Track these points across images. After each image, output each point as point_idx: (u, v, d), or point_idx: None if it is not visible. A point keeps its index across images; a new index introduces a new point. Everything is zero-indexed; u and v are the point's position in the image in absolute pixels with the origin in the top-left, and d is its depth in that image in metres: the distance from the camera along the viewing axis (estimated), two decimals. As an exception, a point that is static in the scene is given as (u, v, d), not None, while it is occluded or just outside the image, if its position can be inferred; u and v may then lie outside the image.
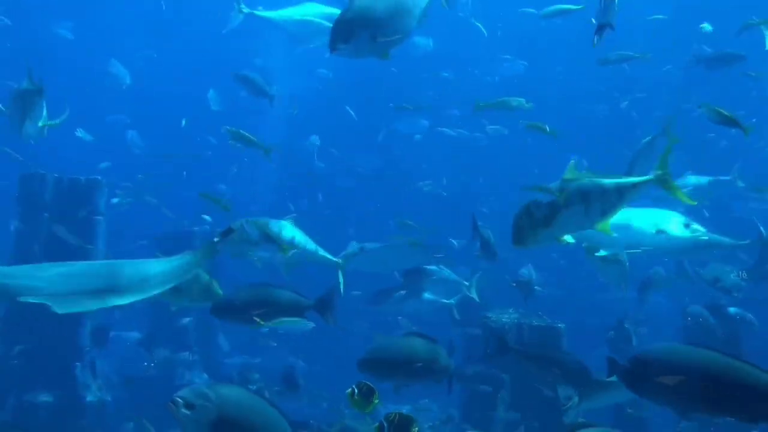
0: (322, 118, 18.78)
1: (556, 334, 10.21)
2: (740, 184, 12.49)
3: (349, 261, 9.48)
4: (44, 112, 8.03)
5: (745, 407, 4.53)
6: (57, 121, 8.25)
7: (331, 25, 9.34)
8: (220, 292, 6.92)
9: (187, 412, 5.22)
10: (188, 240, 13.66)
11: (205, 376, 12.71)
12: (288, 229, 8.30)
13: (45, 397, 11.04)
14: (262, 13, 10.12)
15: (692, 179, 12.27)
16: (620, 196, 5.12)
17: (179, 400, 5.21)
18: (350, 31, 5.58)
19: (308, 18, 9.76)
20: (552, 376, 7.92)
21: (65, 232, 11.30)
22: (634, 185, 5.16)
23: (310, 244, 8.54)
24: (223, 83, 16.71)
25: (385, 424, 4.29)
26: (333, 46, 5.58)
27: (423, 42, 17.13)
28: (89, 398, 11.44)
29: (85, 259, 11.69)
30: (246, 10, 10.12)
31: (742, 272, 9.42)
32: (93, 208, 11.94)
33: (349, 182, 21.10)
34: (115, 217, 12.65)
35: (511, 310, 10.79)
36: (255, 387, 11.41)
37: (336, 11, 9.13)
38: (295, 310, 7.26)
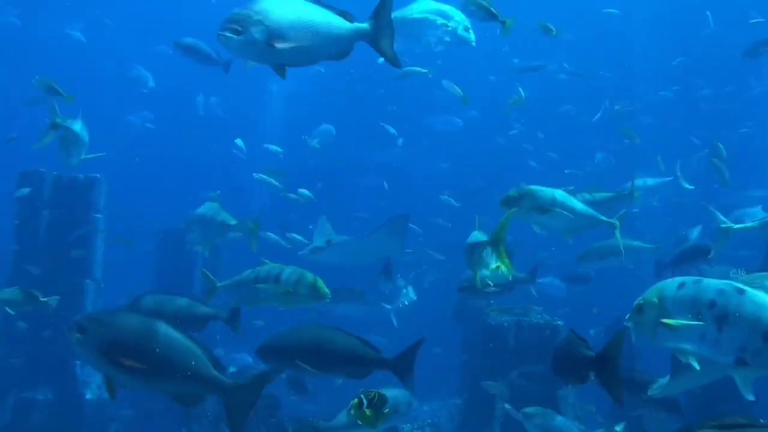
0: (322, 117, 18.74)
1: (555, 331, 10.22)
2: (686, 185, 12.64)
3: (315, 254, 9.58)
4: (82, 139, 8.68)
5: None
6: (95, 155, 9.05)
7: (444, 20, 9.67)
8: (327, 291, 6.79)
9: (78, 335, 5.19)
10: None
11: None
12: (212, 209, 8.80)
13: (44, 395, 11.06)
14: None
15: (639, 182, 12.37)
16: (470, 251, 6.52)
17: (72, 323, 5.21)
18: (242, 25, 5.32)
19: (423, 15, 9.84)
20: (641, 402, 7.65)
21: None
22: (482, 243, 6.40)
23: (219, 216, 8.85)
24: (224, 83, 16.78)
25: (365, 400, 4.33)
26: (221, 33, 5.33)
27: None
28: (89, 396, 11.47)
29: (84, 255, 11.78)
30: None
31: (740, 270, 9.41)
32: (92, 206, 11.99)
33: (369, 180, 20.93)
34: (114, 214, 12.64)
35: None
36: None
37: (447, 8, 9.72)
38: (199, 320, 7.14)
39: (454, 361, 12.15)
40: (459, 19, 9.88)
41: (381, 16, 5.66)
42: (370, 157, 21.13)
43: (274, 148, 15.18)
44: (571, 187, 7.36)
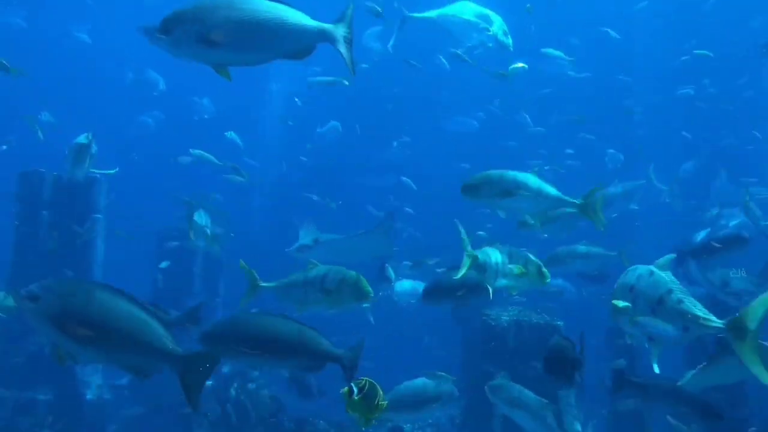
0: (322, 117, 18.73)
1: (554, 331, 10.20)
2: (664, 187, 12.66)
3: (302, 252, 9.68)
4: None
5: None
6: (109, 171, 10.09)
7: (486, 24, 9.82)
8: (370, 290, 6.70)
9: (30, 304, 5.10)
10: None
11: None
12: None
13: (45, 395, 11.06)
14: (422, 15, 10.36)
15: (612, 188, 12.41)
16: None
17: (24, 292, 5.12)
18: (172, 24, 5.21)
19: (465, 17, 10.03)
20: (680, 414, 7.49)
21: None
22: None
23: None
24: (223, 83, 16.73)
25: (355, 389, 4.23)
26: (153, 34, 5.23)
27: (377, 47, 17.06)
28: (89, 396, 11.47)
29: (87, 257, 11.80)
30: (411, 14, 10.47)
31: (741, 270, 9.38)
32: (92, 206, 11.99)
33: (376, 180, 20.84)
34: (114, 214, 12.66)
35: (510, 308, 10.79)
36: (254, 385, 11.40)
37: (487, 11, 9.91)
38: None
39: (454, 361, 12.13)
40: (499, 23, 10.04)
41: (345, 21, 5.56)
42: (370, 156, 21.12)
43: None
44: (536, 169, 7.34)
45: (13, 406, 10.96)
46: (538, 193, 7.13)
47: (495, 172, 7.09)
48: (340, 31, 5.59)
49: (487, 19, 10.00)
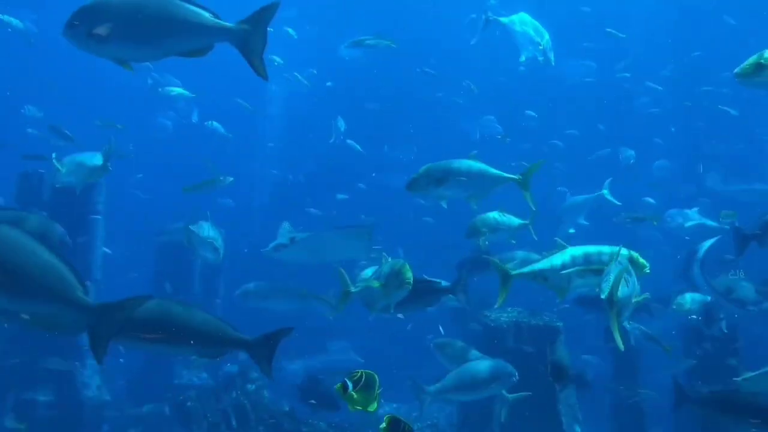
0: (322, 117, 18.71)
1: (554, 333, 10.21)
2: (615, 202, 12.81)
3: (279, 252, 9.74)
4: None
5: None
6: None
7: (539, 38, 10.46)
8: (410, 276, 6.55)
9: None
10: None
11: (205, 375, 12.73)
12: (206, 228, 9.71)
13: (45, 395, 11.06)
14: (504, 19, 10.84)
15: (571, 199, 12.43)
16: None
17: None
18: (74, 19, 5.35)
19: (526, 29, 10.63)
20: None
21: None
22: None
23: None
24: (225, 82, 16.77)
25: (350, 384, 4.12)
26: (64, 29, 5.40)
27: (349, 53, 17.03)
28: (89, 396, 11.47)
29: (83, 257, 11.80)
30: (492, 17, 11.03)
31: (739, 271, 9.35)
32: (91, 207, 11.99)
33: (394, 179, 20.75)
34: (114, 216, 12.66)
35: (509, 309, 10.78)
36: (254, 386, 11.40)
37: (539, 25, 10.55)
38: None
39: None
40: (547, 38, 10.63)
41: (256, 22, 5.38)
42: (367, 157, 21.09)
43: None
44: (474, 152, 7.45)
45: (13, 406, 10.97)
46: (471, 176, 7.31)
47: (430, 164, 7.35)
48: (245, 32, 5.40)
49: (540, 33, 10.58)
